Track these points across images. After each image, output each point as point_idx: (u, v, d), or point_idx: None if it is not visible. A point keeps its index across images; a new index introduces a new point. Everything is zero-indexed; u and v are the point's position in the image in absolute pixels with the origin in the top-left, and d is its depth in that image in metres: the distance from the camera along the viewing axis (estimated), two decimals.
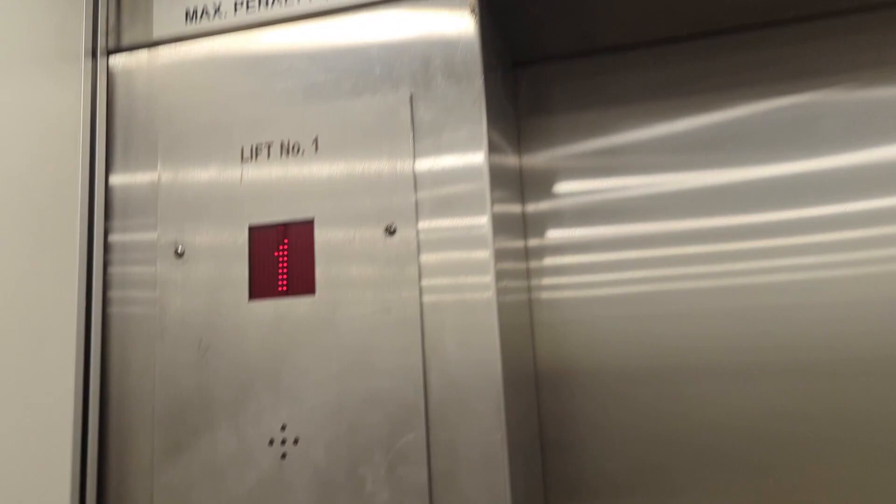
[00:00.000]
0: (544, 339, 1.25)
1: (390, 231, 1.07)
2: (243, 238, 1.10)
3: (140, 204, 1.16)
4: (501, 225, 1.11)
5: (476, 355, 1.00)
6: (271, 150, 1.11)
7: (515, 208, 1.25)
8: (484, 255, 1.01)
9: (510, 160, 1.23)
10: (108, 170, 1.18)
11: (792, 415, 1.13)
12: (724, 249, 1.21)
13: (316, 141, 1.10)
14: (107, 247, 1.15)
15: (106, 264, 1.15)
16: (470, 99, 1.08)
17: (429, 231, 1.05)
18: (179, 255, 1.14)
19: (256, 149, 1.12)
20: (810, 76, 1.20)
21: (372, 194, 1.07)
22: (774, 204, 1.20)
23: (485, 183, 1.05)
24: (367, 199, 1.07)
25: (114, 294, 1.14)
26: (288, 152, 1.10)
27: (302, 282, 1.07)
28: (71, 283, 1.10)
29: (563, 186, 1.30)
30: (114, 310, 1.13)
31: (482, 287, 1.00)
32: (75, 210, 1.12)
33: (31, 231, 1.09)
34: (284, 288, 1.08)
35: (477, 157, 1.06)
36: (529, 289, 1.25)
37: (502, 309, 1.01)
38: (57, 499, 1.05)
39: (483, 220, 1.02)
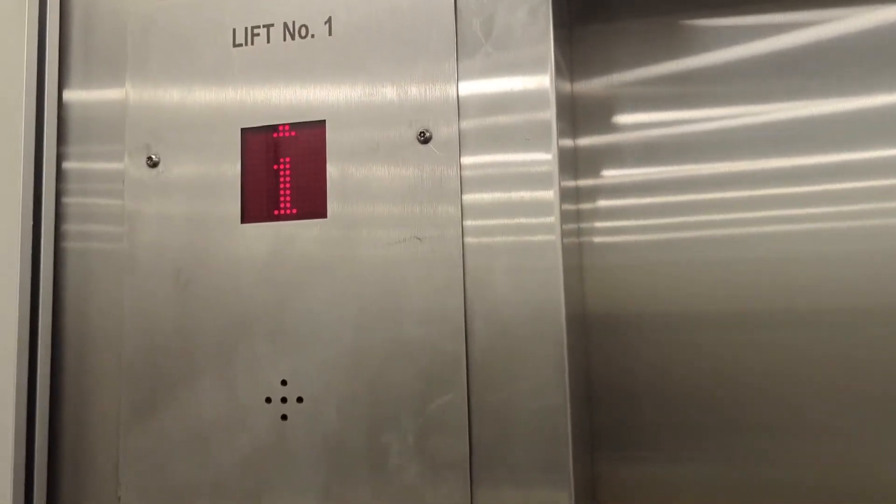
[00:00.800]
0: (594, 285, 1.07)
1: (424, 138, 0.85)
2: (234, 144, 0.92)
3: (104, 117, 1.00)
4: (564, 157, 0.93)
5: (535, 300, 0.83)
6: (271, 33, 0.93)
7: (569, 141, 1.05)
8: (548, 194, 0.85)
9: (565, 84, 1.03)
10: (62, 70, 1.01)
11: (872, 365, 0.99)
12: (812, 191, 1.05)
13: (329, 22, 0.91)
14: (60, 175, 1.00)
15: (59, 194, 1.00)
16: None
17: (471, 129, 0.86)
18: (153, 165, 0.92)
19: (252, 32, 0.94)
20: None
21: (401, 89, 0.86)
22: (874, 140, 1.03)
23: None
24: (395, 95, 0.86)
25: (70, 227, 1.00)
26: (293, 36, 0.93)
27: (310, 201, 0.90)
28: (13, 215, 0.96)
29: (622, 118, 1.10)
30: (70, 244, 1.00)
31: (544, 228, 0.84)
32: (18, 132, 0.97)
33: None
34: (287, 209, 0.89)
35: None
36: (579, 231, 1.07)
37: (565, 253, 0.87)
38: None
39: (548, 156, 0.85)
